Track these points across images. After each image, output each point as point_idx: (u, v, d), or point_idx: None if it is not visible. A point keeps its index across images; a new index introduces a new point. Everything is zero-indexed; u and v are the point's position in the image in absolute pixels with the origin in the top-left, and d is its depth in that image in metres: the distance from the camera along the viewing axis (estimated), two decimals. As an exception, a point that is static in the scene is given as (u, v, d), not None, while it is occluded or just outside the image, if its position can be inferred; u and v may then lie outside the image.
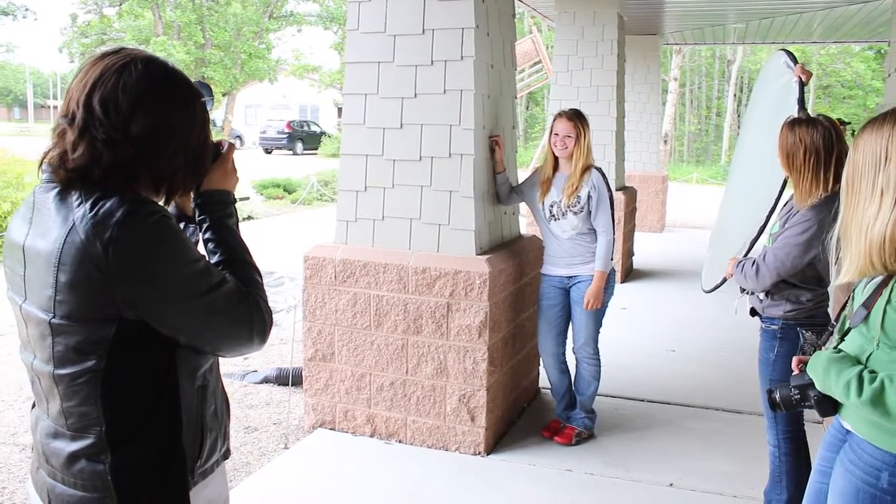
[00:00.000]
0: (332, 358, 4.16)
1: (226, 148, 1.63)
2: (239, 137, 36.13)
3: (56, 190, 1.38)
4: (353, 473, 3.77)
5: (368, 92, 4.06)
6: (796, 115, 2.97)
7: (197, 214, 1.59)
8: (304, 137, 34.74)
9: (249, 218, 14.49)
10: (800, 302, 2.96)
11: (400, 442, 4.07)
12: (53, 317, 1.36)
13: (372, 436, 4.13)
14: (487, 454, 3.95)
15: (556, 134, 4.03)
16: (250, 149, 37.45)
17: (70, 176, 1.37)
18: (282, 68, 37.59)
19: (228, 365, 5.52)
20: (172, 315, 1.38)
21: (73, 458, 1.42)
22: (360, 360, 4.10)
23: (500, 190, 4.25)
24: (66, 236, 1.33)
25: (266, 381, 5.16)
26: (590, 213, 4.01)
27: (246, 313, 1.46)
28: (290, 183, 18.63)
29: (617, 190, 8.06)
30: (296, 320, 4.79)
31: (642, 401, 4.76)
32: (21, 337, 1.48)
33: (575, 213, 4.00)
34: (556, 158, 4.09)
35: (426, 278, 3.91)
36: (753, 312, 3.16)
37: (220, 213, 1.59)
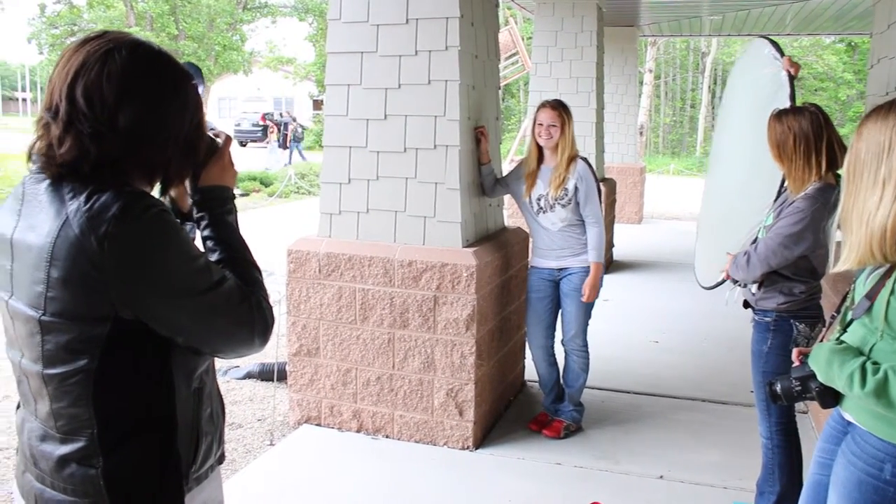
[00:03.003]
0: (317, 353, 4.11)
1: (223, 140, 1.56)
2: (212, 130, 35.65)
3: (47, 182, 1.31)
4: (340, 469, 3.72)
5: (351, 83, 4.00)
6: (781, 108, 2.97)
7: (195, 211, 1.52)
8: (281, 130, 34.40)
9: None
10: (793, 294, 2.94)
11: (387, 437, 4.03)
12: (43, 314, 1.29)
13: (358, 431, 4.08)
14: (476, 448, 3.92)
15: (541, 124, 3.99)
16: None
17: (60, 171, 1.30)
18: (256, 60, 37.19)
19: (209, 361, 5.45)
20: (170, 314, 1.32)
21: (63, 461, 1.35)
22: (346, 354, 4.04)
23: (485, 181, 4.21)
24: (60, 230, 1.26)
25: (249, 376, 5.09)
26: (578, 204, 3.98)
27: (247, 313, 1.40)
28: (266, 176, 18.46)
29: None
30: (279, 314, 4.72)
31: (628, 392, 4.76)
32: (7, 334, 1.41)
33: (563, 206, 3.97)
34: (539, 150, 4.06)
35: (412, 271, 3.87)
36: (746, 305, 3.15)
37: (220, 209, 1.52)
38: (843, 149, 2.79)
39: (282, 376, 4.60)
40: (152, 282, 1.29)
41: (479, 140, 4.13)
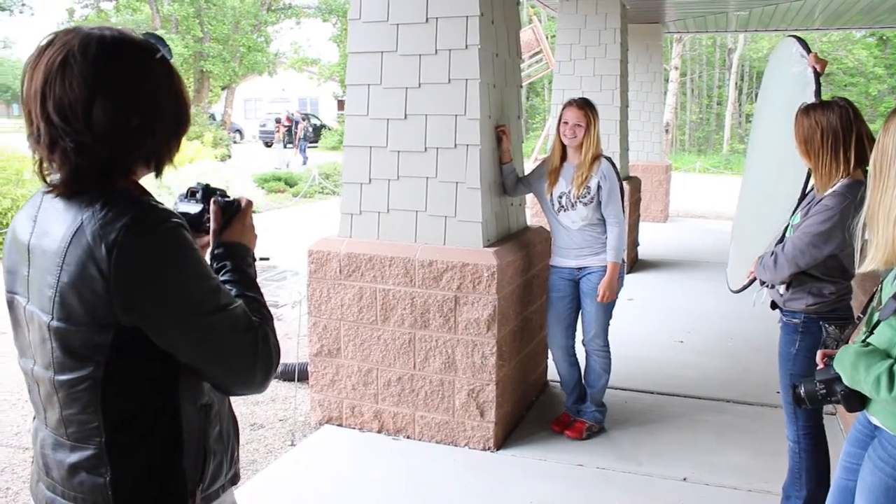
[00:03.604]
0: (338, 353, 4.11)
1: (244, 204, 1.56)
2: (239, 131, 35.98)
3: None
4: (361, 470, 3.72)
5: (371, 82, 3.99)
6: (810, 102, 2.90)
7: (215, 263, 1.50)
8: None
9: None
10: (822, 295, 2.87)
11: (408, 438, 4.01)
12: (52, 319, 1.30)
13: (379, 432, 4.07)
14: (497, 449, 3.89)
15: (566, 122, 3.96)
16: (250, 142, 37.35)
17: (66, 191, 1.30)
18: (281, 61, 37.41)
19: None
20: (171, 330, 1.30)
21: (73, 469, 1.35)
22: (367, 355, 4.04)
23: (506, 181, 4.19)
24: (73, 236, 1.26)
25: (271, 376, 5.09)
26: (600, 203, 3.94)
27: (251, 343, 1.36)
28: (290, 176, 18.55)
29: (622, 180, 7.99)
30: (300, 315, 4.72)
31: (652, 393, 4.71)
32: (21, 342, 1.41)
33: (585, 204, 3.93)
34: (563, 148, 4.02)
35: (433, 271, 3.85)
36: (774, 306, 3.08)
37: (240, 261, 1.51)
38: (873, 143, 2.72)
39: (303, 377, 4.61)
40: (156, 294, 1.27)
41: (501, 139, 4.10)
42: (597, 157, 3.96)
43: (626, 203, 8.13)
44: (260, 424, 4.31)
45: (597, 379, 4.08)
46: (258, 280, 1.53)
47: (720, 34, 29.65)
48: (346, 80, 4.14)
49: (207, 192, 1.57)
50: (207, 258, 1.50)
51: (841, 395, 1.90)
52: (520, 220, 4.58)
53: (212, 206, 1.54)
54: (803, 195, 2.97)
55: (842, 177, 2.74)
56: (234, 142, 31.93)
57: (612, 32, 8.12)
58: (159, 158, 1.38)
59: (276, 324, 6.11)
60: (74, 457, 1.35)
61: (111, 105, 1.27)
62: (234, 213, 1.54)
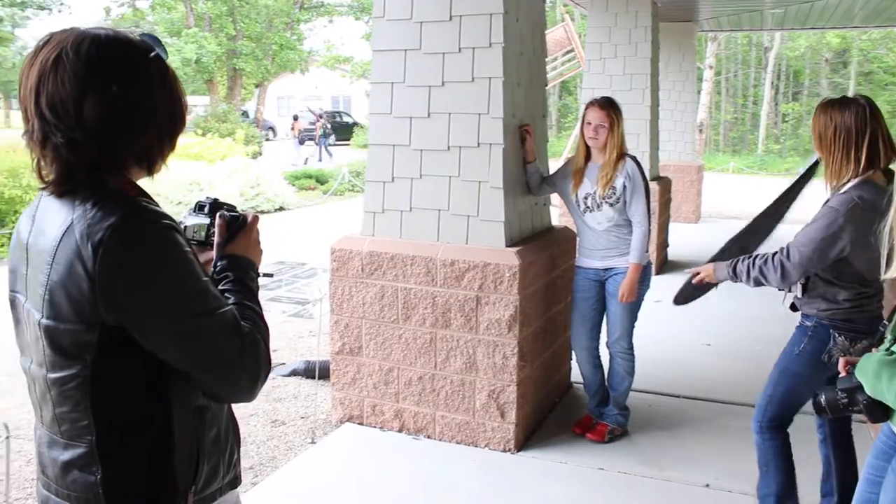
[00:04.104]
0: (359, 351, 4.10)
1: (250, 219, 1.57)
2: (272, 129, 36.24)
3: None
4: (381, 469, 3.71)
5: (395, 80, 3.98)
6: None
7: (217, 275, 1.50)
8: (336, 128, 34.81)
9: (282, 209, 14.52)
10: (836, 301, 2.77)
11: (428, 437, 4.00)
12: (42, 317, 1.31)
13: (400, 431, 4.06)
14: (517, 451, 3.86)
15: (589, 123, 3.91)
16: (283, 140, 37.60)
17: (57, 189, 1.31)
18: (314, 59, 37.64)
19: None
20: (155, 331, 1.28)
21: (66, 467, 1.36)
22: (388, 353, 4.03)
23: (530, 180, 4.15)
24: (63, 234, 1.27)
25: (294, 373, 5.12)
26: (625, 203, 3.89)
27: (237, 349, 1.34)
28: (322, 174, 18.65)
29: (651, 180, 7.90)
30: (322, 313, 4.74)
31: (677, 397, 4.64)
32: (21, 340, 1.43)
33: (610, 205, 3.88)
34: (588, 148, 3.98)
35: (455, 271, 3.83)
36: (794, 308, 3.02)
37: (243, 274, 1.50)
38: (891, 145, 2.63)
39: (325, 374, 4.61)
40: (140, 295, 1.26)
41: (525, 138, 4.07)
42: (621, 156, 3.90)
43: (656, 204, 8.06)
44: (281, 421, 4.33)
45: (620, 382, 4.03)
46: (273, 286, 1.52)
47: (756, 32, 29.21)
48: (370, 78, 4.14)
49: (215, 207, 1.58)
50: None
51: (863, 405, 1.85)
52: (544, 220, 4.54)
53: (217, 220, 1.54)
54: (796, 186, 2.90)
55: (852, 176, 2.66)
56: (267, 139, 32.20)
57: (643, 31, 8.03)
58: (151, 158, 1.38)
59: (304, 321, 6.13)
60: (67, 455, 1.35)
61: (102, 101, 1.27)
62: (239, 227, 1.55)
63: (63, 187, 1.31)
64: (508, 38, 3.79)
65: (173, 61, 28.41)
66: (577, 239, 4.10)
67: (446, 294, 3.86)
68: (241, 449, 3.83)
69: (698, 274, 3.10)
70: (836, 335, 2.78)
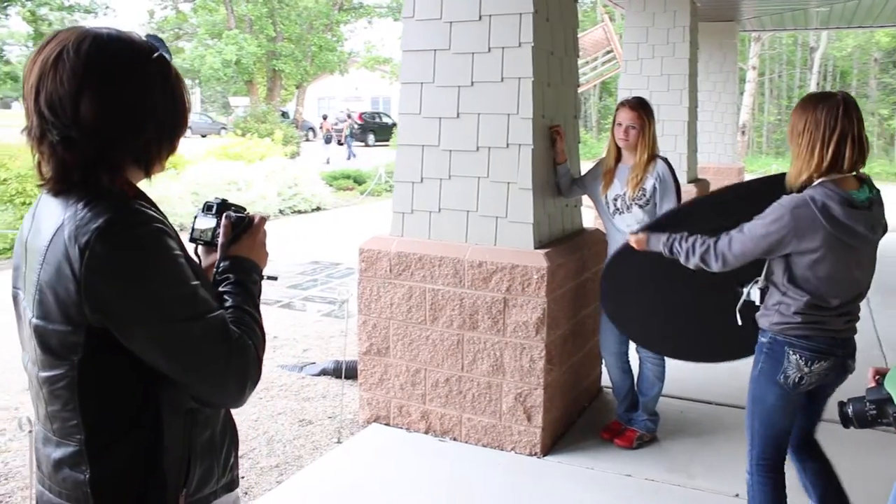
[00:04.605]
0: (386, 352, 4.10)
1: (256, 221, 1.56)
2: (312, 129, 36.55)
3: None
4: (406, 470, 3.70)
5: (424, 81, 3.96)
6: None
7: (218, 276, 1.48)
8: (375, 129, 35.01)
9: (318, 209, 14.62)
10: (787, 314, 2.55)
11: (454, 440, 3.97)
12: (33, 316, 1.31)
13: (426, 432, 4.05)
14: (544, 455, 3.82)
15: (620, 124, 3.85)
16: (320, 140, 37.91)
17: (53, 187, 1.31)
18: (353, 60, 37.89)
19: (287, 357, 5.54)
20: (138, 334, 1.27)
21: (58, 464, 1.36)
22: (415, 355, 4.02)
23: (560, 181, 4.10)
24: (54, 234, 1.27)
25: (324, 373, 5.13)
26: (655, 205, 3.82)
27: (224, 355, 1.31)
28: (359, 174, 18.75)
29: (689, 182, 7.78)
30: (346, 313, 4.74)
31: (709, 403, 4.55)
32: (21, 337, 1.43)
33: (640, 206, 3.82)
34: (618, 149, 3.92)
35: (482, 272, 3.80)
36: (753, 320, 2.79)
37: (245, 277, 1.48)
38: (860, 148, 2.43)
39: (352, 374, 4.62)
40: (124, 298, 1.25)
41: (555, 139, 4.02)
42: (652, 157, 3.84)
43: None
44: (309, 420, 4.34)
45: (650, 387, 3.96)
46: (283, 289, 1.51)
47: (801, 32, 28.64)
48: (399, 79, 4.13)
49: (222, 207, 1.58)
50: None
51: (893, 418, 1.78)
52: (575, 222, 4.49)
53: (222, 221, 1.54)
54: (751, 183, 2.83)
55: (813, 172, 2.46)
56: (306, 139, 32.49)
57: (681, 31, 7.91)
58: (148, 159, 1.37)
59: (336, 321, 6.12)
60: (59, 452, 1.36)
61: (98, 100, 1.27)
62: (244, 228, 1.54)
63: (59, 185, 1.31)
64: (538, 38, 3.75)
65: (214, 63, 29.00)
66: (608, 242, 4.04)
67: (474, 295, 3.83)
68: (268, 447, 3.86)
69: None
70: (790, 353, 2.55)
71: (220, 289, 1.45)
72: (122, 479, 1.34)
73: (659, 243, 2.85)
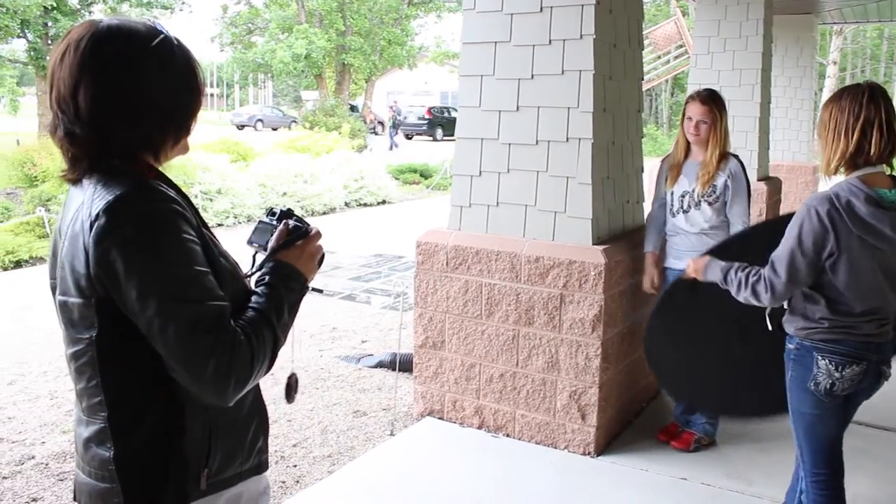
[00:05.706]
0: (442, 346, 4.09)
1: (312, 233, 1.56)
2: (381, 123, 36.87)
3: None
4: (457, 465, 3.68)
5: (484, 73, 3.93)
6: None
7: (256, 277, 1.48)
8: (443, 123, 35.07)
9: (384, 202, 14.72)
10: (812, 319, 2.46)
11: (507, 436, 3.94)
12: (58, 293, 1.37)
13: (480, 428, 4.02)
14: (597, 455, 3.75)
15: (690, 118, 3.75)
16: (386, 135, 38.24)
17: (68, 178, 1.37)
18: (423, 55, 38.06)
19: (346, 348, 5.58)
20: (130, 306, 1.28)
21: (87, 443, 1.40)
22: (471, 349, 4.00)
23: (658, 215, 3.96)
24: (75, 213, 1.33)
25: (381, 365, 5.16)
26: (725, 203, 3.71)
27: (208, 346, 1.28)
28: (426, 168, 18.82)
29: (759, 180, 7.55)
30: (401, 306, 4.75)
31: (774, 408, 4.39)
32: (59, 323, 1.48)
33: (710, 203, 3.71)
34: (688, 144, 3.81)
35: (539, 268, 3.75)
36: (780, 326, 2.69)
37: (282, 282, 1.47)
38: (889, 133, 2.30)
39: (406, 367, 4.62)
40: (123, 266, 1.26)
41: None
42: (724, 155, 3.72)
43: (763, 205, 7.69)
44: (363, 412, 4.36)
45: (710, 389, 3.85)
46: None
47: (886, 24, 27.46)
48: (459, 71, 4.10)
49: (283, 215, 1.57)
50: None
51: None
52: (636, 219, 4.39)
53: (279, 226, 1.54)
54: None
55: (839, 163, 2.36)
56: (375, 133, 32.80)
57: (755, 24, 7.65)
58: (155, 146, 1.38)
59: (397, 314, 6.11)
60: (88, 431, 1.39)
61: (92, 91, 1.30)
62: (298, 237, 1.54)
63: (73, 176, 1.37)
64: (600, 30, 3.67)
65: (284, 57, 29.50)
66: (667, 239, 3.93)
67: (530, 291, 3.79)
68: (321, 437, 3.89)
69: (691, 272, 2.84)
70: (819, 358, 2.44)
71: (255, 288, 1.46)
72: (145, 456, 1.37)
73: (717, 268, 2.68)
